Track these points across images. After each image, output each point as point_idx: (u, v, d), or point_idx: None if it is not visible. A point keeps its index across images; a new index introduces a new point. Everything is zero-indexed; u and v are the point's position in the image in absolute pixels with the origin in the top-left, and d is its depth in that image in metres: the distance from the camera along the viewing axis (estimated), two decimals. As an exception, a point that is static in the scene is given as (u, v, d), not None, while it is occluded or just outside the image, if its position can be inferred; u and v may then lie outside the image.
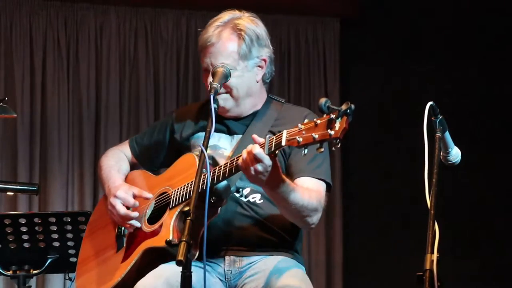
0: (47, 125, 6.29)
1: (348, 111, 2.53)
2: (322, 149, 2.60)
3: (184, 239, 2.53)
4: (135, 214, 3.10)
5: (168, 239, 2.70)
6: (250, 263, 3.06)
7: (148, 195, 3.13)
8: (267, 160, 2.74)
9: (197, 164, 2.94)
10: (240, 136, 3.15)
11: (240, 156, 2.81)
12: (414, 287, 2.57)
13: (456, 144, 3.06)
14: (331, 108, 2.56)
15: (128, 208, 3.13)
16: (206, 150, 2.76)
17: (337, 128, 2.54)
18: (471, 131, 6.14)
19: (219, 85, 2.99)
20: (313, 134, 2.60)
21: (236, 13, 3.18)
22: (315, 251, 6.48)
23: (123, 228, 3.19)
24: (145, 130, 3.47)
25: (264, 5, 6.37)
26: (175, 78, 6.56)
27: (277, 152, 2.75)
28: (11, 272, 3.97)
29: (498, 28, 6.44)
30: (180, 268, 2.55)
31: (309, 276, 3.11)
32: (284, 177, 2.85)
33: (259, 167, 2.75)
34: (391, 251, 6.33)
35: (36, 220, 3.87)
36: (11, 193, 5.96)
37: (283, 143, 2.68)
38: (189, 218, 2.58)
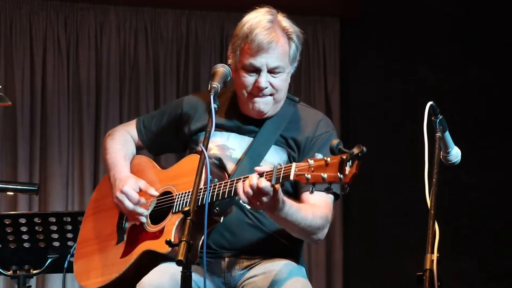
0: (47, 125, 6.29)
1: (360, 154, 2.51)
2: (331, 190, 2.58)
3: (184, 239, 2.52)
4: (142, 210, 3.07)
5: (168, 239, 2.69)
6: (251, 265, 3.06)
7: (154, 192, 3.08)
8: (272, 193, 2.71)
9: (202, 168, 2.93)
10: (251, 139, 3.11)
11: (240, 179, 2.79)
12: (414, 287, 2.57)
13: (456, 144, 3.06)
14: (343, 151, 2.53)
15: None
16: (206, 150, 2.75)
17: (347, 172, 2.52)
18: (471, 131, 6.14)
19: (219, 85, 2.96)
20: (322, 174, 2.56)
21: (272, 11, 3.11)
22: (315, 251, 6.48)
23: (124, 218, 3.18)
24: (154, 112, 3.39)
25: (264, 5, 6.37)
26: (175, 78, 6.56)
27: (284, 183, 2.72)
28: (11, 272, 3.96)
29: (498, 27, 6.44)
30: None
31: (309, 276, 3.11)
32: (285, 199, 2.81)
33: (264, 199, 2.73)
34: (391, 251, 6.33)
35: (36, 220, 3.87)
36: (11, 193, 5.96)
37: (291, 178, 2.64)
38: (189, 218, 2.57)
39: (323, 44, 6.70)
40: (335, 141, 2.53)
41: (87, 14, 6.43)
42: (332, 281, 6.52)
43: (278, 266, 3.01)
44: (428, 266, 2.54)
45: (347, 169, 2.52)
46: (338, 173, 2.53)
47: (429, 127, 2.87)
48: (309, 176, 2.59)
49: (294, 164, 2.66)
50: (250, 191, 2.71)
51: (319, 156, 2.63)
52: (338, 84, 6.71)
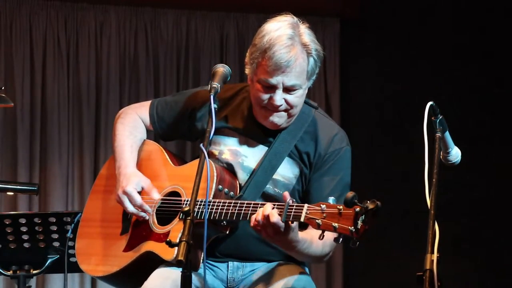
0: (47, 125, 6.29)
1: (374, 209, 2.50)
2: (340, 241, 2.57)
3: (184, 239, 2.51)
4: (143, 214, 3.05)
5: (168, 240, 2.68)
6: (253, 270, 3.07)
7: (156, 195, 3.06)
8: (282, 228, 2.70)
9: (215, 176, 2.91)
10: (265, 148, 3.08)
11: (250, 204, 2.79)
12: (414, 287, 2.56)
13: (456, 144, 3.06)
14: (357, 204, 2.52)
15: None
16: (206, 150, 2.73)
17: (359, 226, 2.52)
18: (471, 131, 6.14)
19: (219, 85, 2.94)
20: (334, 224, 2.56)
21: (293, 21, 3.05)
22: (315, 251, 6.48)
23: None
24: (169, 99, 3.31)
25: (264, 5, 6.37)
26: (175, 78, 6.56)
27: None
28: (11, 272, 3.96)
29: (498, 28, 6.43)
30: None
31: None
32: (298, 237, 2.79)
33: (272, 233, 2.72)
34: (391, 251, 6.33)
35: (36, 220, 3.86)
36: (11, 193, 5.96)
37: (302, 219, 2.64)
38: (189, 218, 2.57)
39: (323, 44, 6.64)
40: (350, 194, 2.52)
41: (87, 14, 6.43)
42: (332, 281, 6.52)
43: (281, 266, 3.02)
44: (428, 266, 2.54)
45: (359, 223, 2.52)
46: (350, 227, 2.53)
47: (429, 127, 2.87)
48: (320, 222, 2.59)
49: (306, 206, 2.65)
50: (261, 221, 2.71)
51: (332, 201, 2.62)
52: (338, 84, 6.71)
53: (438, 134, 2.92)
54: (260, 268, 3.06)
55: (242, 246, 3.04)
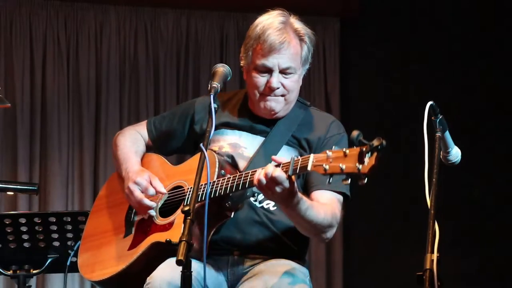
0: (47, 125, 6.29)
1: (379, 147, 2.49)
2: (348, 181, 2.57)
3: (184, 239, 2.52)
4: (151, 203, 3.08)
5: (168, 239, 2.68)
6: (253, 264, 3.07)
7: (163, 189, 3.09)
8: (287, 183, 2.71)
9: (216, 162, 2.95)
10: (263, 138, 3.13)
11: (255, 172, 2.80)
12: (414, 287, 2.57)
13: (456, 144, 3.06)
14: (362, 142, 2.51)
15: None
16: (206, 150, 2.74)
17: (365, 163, 2.51)
18: (471, 131, 6.14)
19: (219, 85, 2.97)
20: (341, 165, 2.55)
21: (284, 13, 3.13)
22: (315, 251, 6.48)
23: (133, 213, 3.18)
24: (164, 114, 3.40)
25: (264, 5, 6.36)
26: (175, 78, 6.56)
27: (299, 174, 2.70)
28: (11, 272, 3.96)
29: (498, 28, 6.44)
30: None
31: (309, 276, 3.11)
32: (300, 194, 2.81)
33: (277, 189, 2.73)
34: (391, 251, 6.33)
35: (36, 220, 3.86)
36: (11, 193, 5.96)
37: (309, 168, 2.64)
38: (189, 217, 2.57)
39: (323, 44, 6.70)
40: (355, 132, 2.51)
41: (87, 14, 6.43)
42: (332, 281, 6.52)
43: (281, 267, 3.01)
44: (428, 266, 2.54)
45: (366, 160, 2.51)
46: (357, 164, 2.52)
47: (429, 127, 2.87)
48: (327, 166, 2.58)
49: (312, 155, 2.66)
50: (264, 180, 2.72)
51: (337, 148, 2.63)
52: (338, 84, 6.72)
53: (438, 134, 2.92)
54: (260, 263, 3.06)
55: (246, 233, 3.04)
